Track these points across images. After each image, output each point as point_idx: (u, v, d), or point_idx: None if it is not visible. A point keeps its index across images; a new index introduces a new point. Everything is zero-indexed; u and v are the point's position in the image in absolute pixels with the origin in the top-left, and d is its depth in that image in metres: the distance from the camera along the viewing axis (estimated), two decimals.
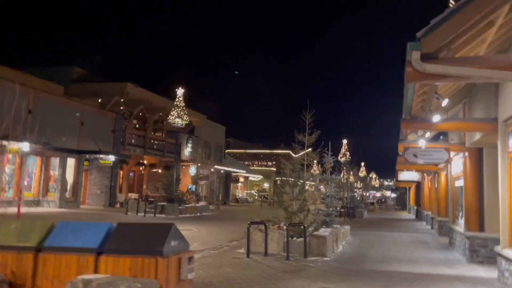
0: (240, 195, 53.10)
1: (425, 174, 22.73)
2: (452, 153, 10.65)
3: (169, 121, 23.22)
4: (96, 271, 4.68)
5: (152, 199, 25.10)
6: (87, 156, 24.28)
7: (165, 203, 22.55)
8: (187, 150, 35.08)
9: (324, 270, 8.80)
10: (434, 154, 10.14)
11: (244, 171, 50.80)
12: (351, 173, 41.12)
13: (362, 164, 64.63)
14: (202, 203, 28.22)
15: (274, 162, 68.72)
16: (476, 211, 10.26)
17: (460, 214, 12.37)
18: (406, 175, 20.73)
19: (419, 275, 8.46)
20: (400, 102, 8.78)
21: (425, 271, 8.91)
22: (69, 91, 26.70)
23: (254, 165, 70.89)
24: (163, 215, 21.74)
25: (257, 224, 11.40)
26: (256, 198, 54.93)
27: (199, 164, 37.55)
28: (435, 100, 6.63)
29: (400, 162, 14.06)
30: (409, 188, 38.90)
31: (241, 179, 54.89)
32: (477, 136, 8.89)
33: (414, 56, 4.34)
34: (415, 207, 31.81)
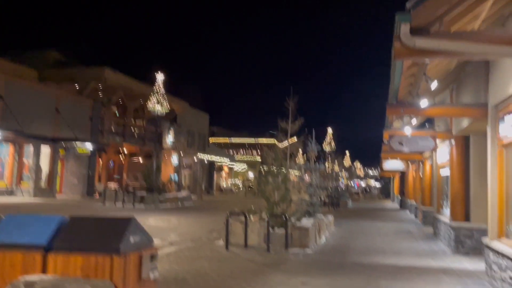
0: (224, 185, 52.63)
1: (409, 163, 22.57)
2: (437, 142, 10.29)
3: (149, 108, 22.46)
4: (44, 270, 4.12)
5: (132, 189, 24.40)
6: (63, 144, 23.39)
7: (144, 193, 21.89)
8: (169, 139, 34.30)
9: (305, 263, 8.39)
10: (420, 142, 9.77)
11: (228, 160, 50.26)
12: (336, 162, 41.02)
13: (347, 153, 64.81)
14: (184, 193, 27.63)
15: (259, 152, 68.32)
16: (462, 200, 9.97)
17: (445, 203, 12.10)
18: (391, 164, 20.51)
19: (403, 268, 8.11)
20: (386, 88, 8.36)
21: (410, 263, 8.58)
22: (44, 76, 25.62)
23: (239, 154, 70.42)
24: (142, 206, 21.12)
25: (237, 215, 10.93)
26: (240, 187, 54.52)
27: (181, 153, 36.90)
28: (423, 83, 6.20)
29: (385, 150, 13.73)
30: (394, 178, 38.98)
31: (226, 169, 54.37)
32: (465, 123, 8.52)
33: (403, 29, 3.85)
34: (399, 197, 31.83)
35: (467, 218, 9.93)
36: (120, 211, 18.23)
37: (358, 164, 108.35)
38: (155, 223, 14.72)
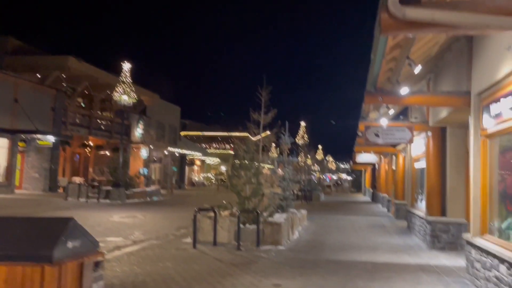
0: (196, 179, 51.68)
1: (382, 156, 22.50)
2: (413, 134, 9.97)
3: (115, 98, 21.35)
4: None
5: (97, 184, 23.25)
6: (23, 136, 21.97)
7: (110, 188, 20.86)
8: (138, 131, 33.09)
9: (277, 261, 7.86)
10: (396, 133, 9.41)
11: (200, 154, 49.31)
12: (309, 156, 40.91)
13: (320, 146, 65.09)
14: (153, 187, 26.68)
15: (232, 145, 67.54)
16: (438, 194, 9.69)
17: (420, 197, 11.86)
18: (364, 157, 20.31)
19: (380, 265, 7.71)
20: (361, 82, 7.91)
21: (387, 260, 8.20)
22: (3, 64, 23.98)
23: (212, 148, 69.43)
24: (108, 201, 20.10)
25: (207, 210, 10.29)
26: (213, 181, 53.71)
27: (151, 146, 35.74)
28: (405, 68, 5.74)
29: (359, 143, 13.37)
30: (365, 171, 39.22)
31: (198, 162, 53.39)
32: (443, 113, 8.17)
33: None
34: (371, 190, 31.95)
35: (443, 212, 9.66)
36: (81, 207, 17.21)
37: (330, 158, 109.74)
38: (119, 219, 13.87)
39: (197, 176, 53.36)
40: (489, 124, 5.85)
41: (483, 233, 5.97)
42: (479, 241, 5.84)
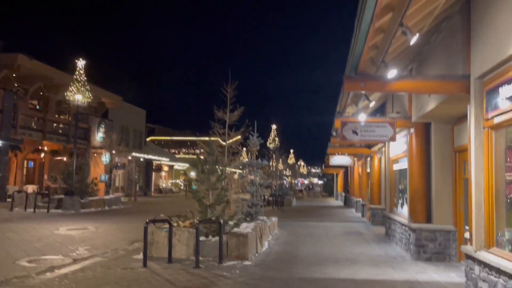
0: (164, 185, 49.67)
1: (355, 159, 21.63)
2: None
3: (67, 97, 19.50)
4: None
5: (46, 192, 21.23)
6: None
7: (63, 196, 18.97)
8: (98, 136, 31.05)
9: (242, 282, 6.57)
10: (377, 130, 8.36)
11: (168, 159, 47.40)
12: (280, 160, 39.92)
13: (291, 151, 64.35)
14: (112, 195, 24.83)
15: (202, 150, 65.76)
16: (423, 198, 8.67)
17: (400, 202, 10.87)
18: (338, 160, 19.39)
19: (363, 283, 6.55)
20: (337, 73, 6.78)
21: (369, 276, 7.06)
22: None
23: (181, 153, 67.50)
24: (60, 211, 18.23)
25: (162, 221, 8.89)
26: (182, 188, 51.82)
27: (113, 151, 33.71)
28: (398, 39, 4.62)
29: (333, 144, 12.27)
30: (337, 175, 38.52)
31: (165, 168, 51.37)
32: (431, 105, 7.15)
33: None
34: (344, 194, 31.17)
35: (428, 218, 8.65)
36: (26, 218, 15.33)
37: (301, 163, 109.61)
38: (65, 232, 12.20)
39: (165, 182, 51.32)
40: (495, 112, 4.80)
41: (490, 246, 4.90)
42: (486, 256, 4.75)
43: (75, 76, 19.47)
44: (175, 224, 9.62)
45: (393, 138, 8.51)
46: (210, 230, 9.28)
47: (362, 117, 8.43)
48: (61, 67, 26.26)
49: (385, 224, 12.27)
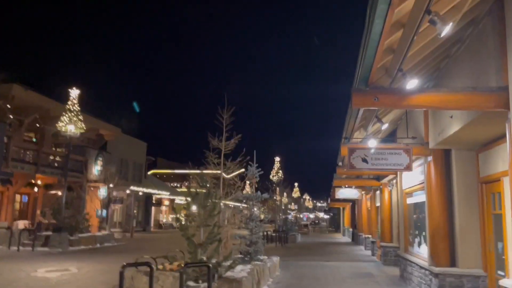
0: (164, 220, 48.15)
1: (363, 192, 20.38)
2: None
3: (58, 128, 18.67)
4: None
5: (33, 228, 20.00)
6: None
7: (50, 233, 17.76)
8: (96, 169, 30.09)
9: None
10: (390, 158, 7.30)
11: (168, 193, 46.10)
12: (285, 194, 38.49)
13: (296, 184, 62.84)
14: (105, 232, 23.53)
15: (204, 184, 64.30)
16: (445, 237, 7.47)
17: (417, 240, 9.62)
18: (345, 193, 18.16)
19: None
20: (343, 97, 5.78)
21: None
22: None
23: (183, 187, 66.18)
24: (46, 249, 16.97)
25: (143, 265, 7.70)
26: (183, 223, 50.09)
27: (111, 185, 32.62)
28: (421, 37, 3.65)
29: (339, 175, 11.17)
30: (344, 209, 37.00)
31: (166, 202, 49.98)
32: (454, 127, 6.11)
33: None
34: (351, 229, 29.62)
35: (452, 261, 7.41)
36: (5, 258, 14.09)
37: (307, 196, 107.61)
38: (43, 275, 10.95)
39: (165, 217, 49.80)
40: None
41: None
42: None
43: (67, 106, 18.72)
44: (160, 267, 8.47)
45: (409, 167, 7.42)
46: (201, 274, 8.07)
47: (373, 143, 7.39)
48: (59, 98, 25.67)
49: (400, 265, 10.95)
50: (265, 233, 27.23)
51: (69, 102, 18.81)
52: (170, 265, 8.48)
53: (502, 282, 5.12)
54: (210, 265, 7.12)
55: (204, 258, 8.41)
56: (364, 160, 7.31)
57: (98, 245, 20.09)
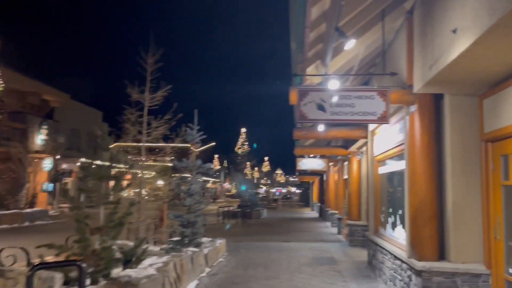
0: (125, 195, 45.26)
1: (330, 164, 18.29)
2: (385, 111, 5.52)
3: None
4: None
5: None
6: None
7: None
8: (39, 138, 26.90)
9: None
10: (358, 104, 4.98)
11: (127, 166, 43.02)
12: (256, 168, 36.62)
13: (266, 158, 60.96)
14: (37, 208, 20.75)
15: (173, 157, 61.51)
16: (432, 218, 5.29)
17: (390, 220, 7.48)
18: (309, 164, 15.86)
19: None
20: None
21: None
22: None
23: (150, 160, 63.07)
24: None
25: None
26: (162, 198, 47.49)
27: (58, 156, 29.51)
28: None
29: (299, 138, 8.82)
30: (313, 183, 35.25)
31: (128, 177, 46.98)
32: (457, 48, 3.77)
33: None
34: (319, 204, 27.85)
35: (441, 252, 5.26)
36: None
37: (279, 171, 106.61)
38: None
39: (127, 192, 46.92)
40: None
41: None
42: None
43: None
44: (35, 261, 6.05)
45: (384, 117, 5.12)
46: (95, 270, 5.70)
47: (334, 84, 5.02)
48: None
49: (368, 249, 8.87)
50: (226, 209, 25.18)
51: None
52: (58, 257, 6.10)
53: None
54: (84, 265, 4.67)
55: (97, 248, 6.02)
56: (321, 107, 4.97)
57: (27, 223, 17.38)
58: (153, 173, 11.04)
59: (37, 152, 27.25)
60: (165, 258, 6.48)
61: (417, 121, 5.37)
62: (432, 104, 5.36)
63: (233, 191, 69.08)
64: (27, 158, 26.53)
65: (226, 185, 76.24)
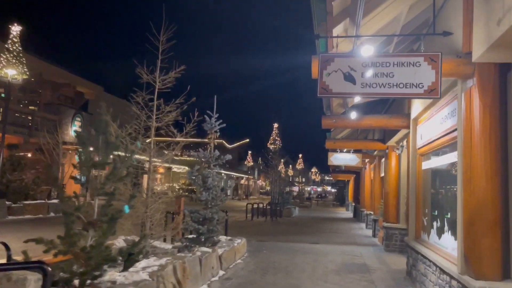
0: (158, 188, 45.45)
1: (366, 161, 16.92)
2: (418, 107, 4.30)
3: None
4: None
5: None
6: None
7: None
8: (72, 130, 27.07)
9: None
10: (398, 73, 3.80)
11: (161, 160, 43.10)
12: (290, 166, 35.38)
13: (300, 156, 59.59)
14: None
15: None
16: (495, 225, 4.07)
17: (436, 224, 6.23)
18: (341, 159, 14.57)
19: None
20: None
21: None
22: None
23: (184, 156, 63.55)
24: None
25: None
26: (179, 192, 47.62)
27: (91, 149, 29.70)
28: None
29: (326, 125, 7.66)
30: (349, 181, 33.68)
31: (161, 170, 47.21)
32: None
33: None
34: (353, 204, 26.38)
35: (505, 269, 4.03)
36: None
37: (315, 169, 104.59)
38: None
39: (160, 185, 47.12)
40: None
41: None
42: None
43: (6, 45, 15.35)
44: (18, 258, 5.40)
45: (434, 90, 3.93)
46: (72, 275, 4.92)
47: (368, 50, 3.92)
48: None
49: (407, 257, 7.63)
50: (256, 206, 24.23)
51: (9, 42, 15.43)
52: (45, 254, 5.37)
53: None
54: (48, 268, 3.83)
55: (92, 244, 5.23)
56: (349, 78, 3.86)
57: (51, 214, 17.21)
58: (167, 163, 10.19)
59: (70, 143, 27.47)
60: (164, 260, 5.59)
61: (476, 99, 4.15)
62: (496, 78, 4.12)
63: (267, 188, 68.26)
64: (61, 149, 26.79)
65: (260, 182, 75.46)
